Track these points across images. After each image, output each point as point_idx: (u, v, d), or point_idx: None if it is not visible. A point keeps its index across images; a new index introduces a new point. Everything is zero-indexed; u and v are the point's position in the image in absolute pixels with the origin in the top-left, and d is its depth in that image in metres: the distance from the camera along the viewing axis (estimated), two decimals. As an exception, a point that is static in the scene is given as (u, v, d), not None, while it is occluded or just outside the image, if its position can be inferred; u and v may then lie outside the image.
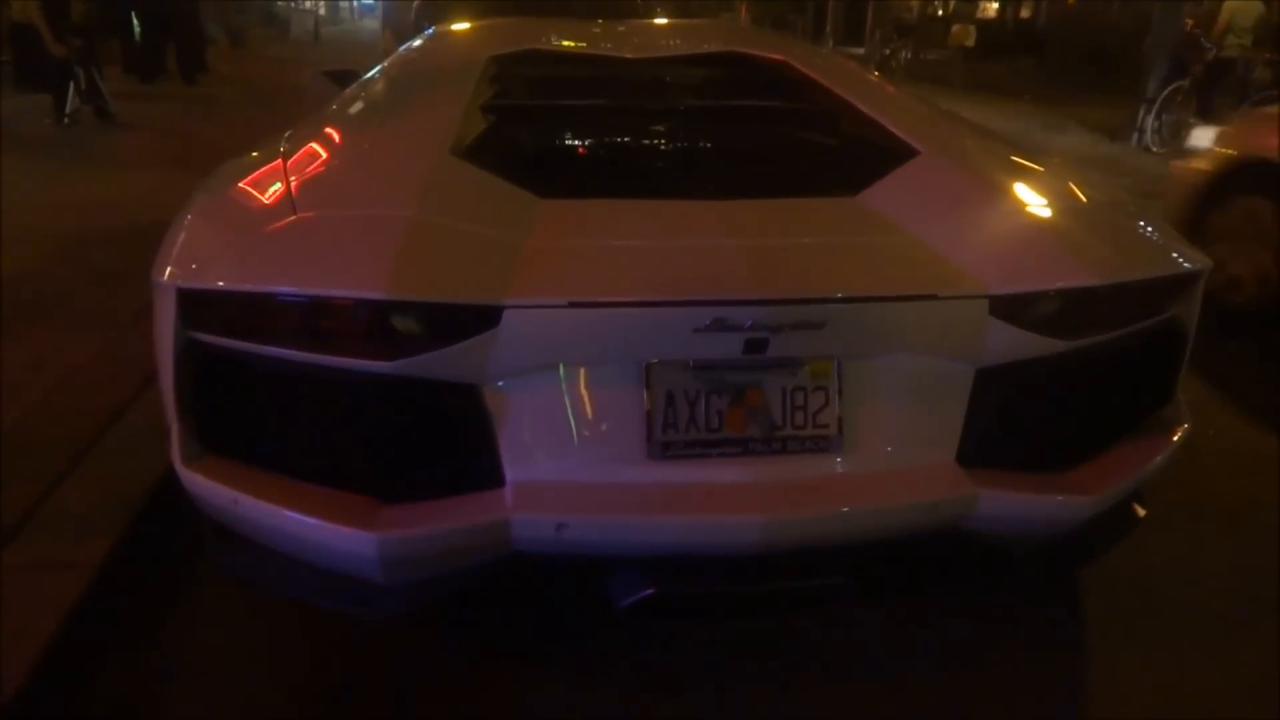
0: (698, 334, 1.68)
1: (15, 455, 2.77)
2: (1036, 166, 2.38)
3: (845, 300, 1.74)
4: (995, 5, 27.35)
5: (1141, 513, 2.16)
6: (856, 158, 2.41)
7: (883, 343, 1.82)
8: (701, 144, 2.59)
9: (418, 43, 3.68)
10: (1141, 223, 2.19)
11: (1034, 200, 2.12)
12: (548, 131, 2.61)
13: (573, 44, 3.19)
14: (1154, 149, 9.93)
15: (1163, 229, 2.18)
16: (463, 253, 1.75)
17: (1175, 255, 2.04)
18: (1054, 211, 2.07)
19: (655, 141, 2.60)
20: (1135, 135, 10.35)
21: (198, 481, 1.82)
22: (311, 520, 1.72)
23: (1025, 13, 25.74)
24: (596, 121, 2.67)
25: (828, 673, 2.26)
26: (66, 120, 8.72)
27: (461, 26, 3.80)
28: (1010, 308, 1.79)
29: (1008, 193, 2.16)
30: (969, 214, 2.01)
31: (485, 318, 1.65)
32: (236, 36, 19.12)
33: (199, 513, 1.92)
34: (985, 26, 24.09)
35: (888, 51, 20.01)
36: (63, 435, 2.91)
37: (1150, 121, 10.06)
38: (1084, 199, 2.20)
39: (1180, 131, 9.68)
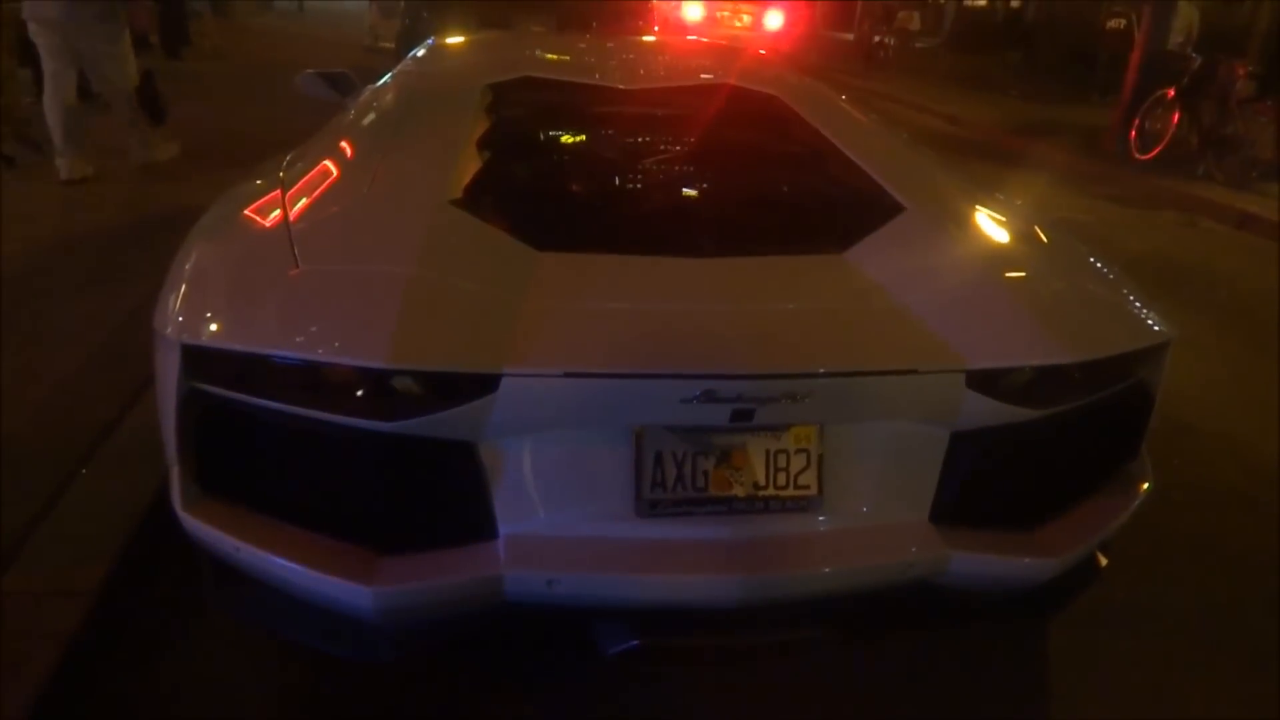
0: (686, 403, 1.75)
1: (10, 471, 2.81)
2: (1016, 225, 2.46)
3: (830, 375, 1.82)
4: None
5: (1104, 561, 2.26)
6: (843, 209, 2.48)
7: (864, 410, 1.90)
8: (692, 191, 2.66)
9: (420, 53, 3.73)
10: (1112, 288, 2.28)
11: (1012, 266, 2.20)
12: (542, 176, 2.66)
13: (565, 69, 3.24)
14: (1137, 155, 10.04)
15: (1132, 292, 2.26)
16: (462, 316, 1.81)
17: (1144, 326, 2.13)
18: (1031, 279, 2.15)
19: (647, 188, 2.66)
20: (1119, 141, 10.45)
21: (198, 526, 1.88)
22: (310, 572, 1.79)
23: (1015, 1, 25.75)
24: (589, 165, 2.73)
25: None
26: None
27: (456, 42, 3.84)
28: (986, 381, 1.87)
29: (987, 258, 2.24)
30: (949, 281, 2.09)
31: (484, 385, 1.71)
32: (219, 7, 18.88)
33: (197, 549, 1.98)
34: (973, 16, 24.11)
35: (877, 40, 19.98)
36: (56, 448, 2.96)
37: (1133, 128, 10.17)
38: (1060, 264, 2.28)
39: (1163, 138, 9.82)
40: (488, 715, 2.27)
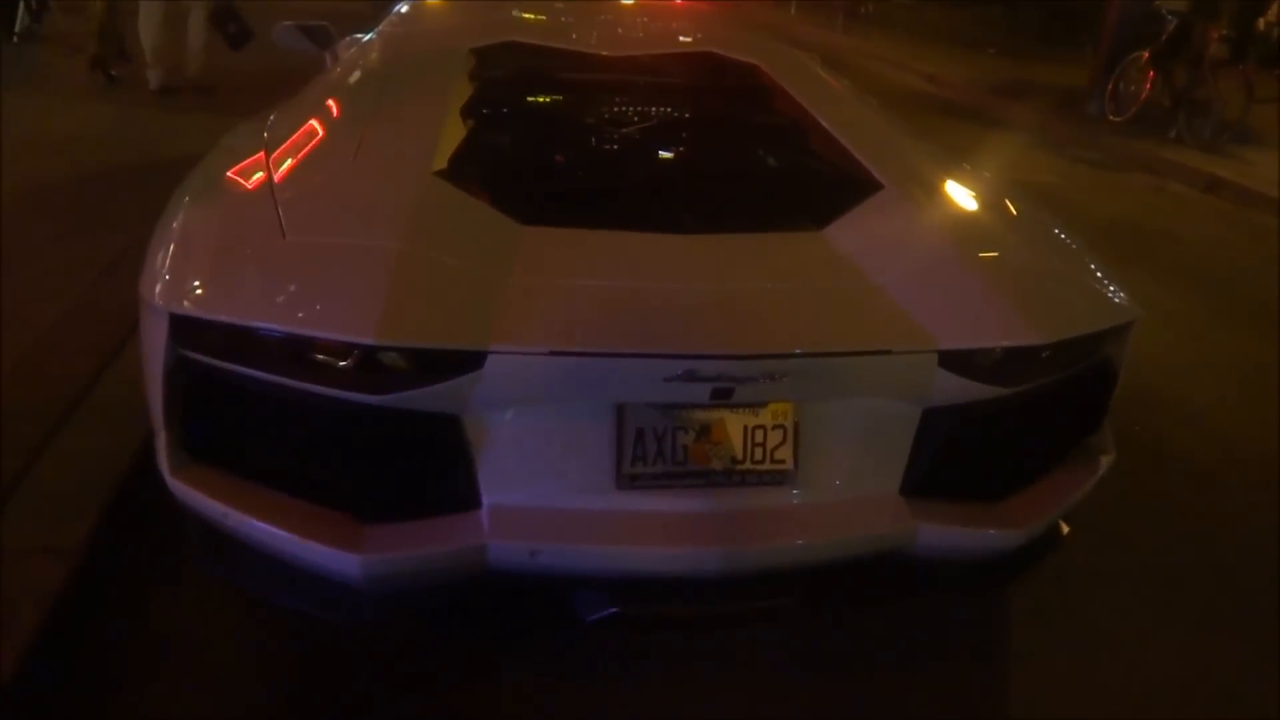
0: (668, 382, 1.80)
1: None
2: (989, 199, 2.52)
3: (807, 355, 1.87)
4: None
5: (1066, 529, 2.35)
6: (822, 184, 2.52)
7: (839, 388, 1.96)
8: (673, 163, 2.69)
9: (403, 10, 3.70)
10: (1081, 265, 2.34)
11: (985, 245, 2.26)
12: (526, 146, 2.68)
13: (549, 33, 3.23)
14: (1111, 117, 10.11)
15: (1100, 268, 2.33)
16: (448, 292, 1.84)
17: (1112, 304, 2.19)
18: (1003, 258, 2.20)
19: (630, 159, 2.69)
20: (1094, 102, 10.51)
21: (186, 491, 1.91)
22: (298, 539, 1.83)
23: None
24: (572, 136, 2.75)
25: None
26: (15, 39, 8.44)
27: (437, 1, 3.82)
28: (958, 360, 1.93)
29: (961, 236, 2.29)
30: (923, 260, 2.13)
31: (470, 361, 1.75)
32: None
33: (184, 513, 2.02)
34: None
35: None
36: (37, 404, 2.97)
37: (1108, 90, 10.22)
38: (1031, 241, 2.34)
39: (1137, 100, 9.88)
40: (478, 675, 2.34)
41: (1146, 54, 9.79)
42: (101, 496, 2.61)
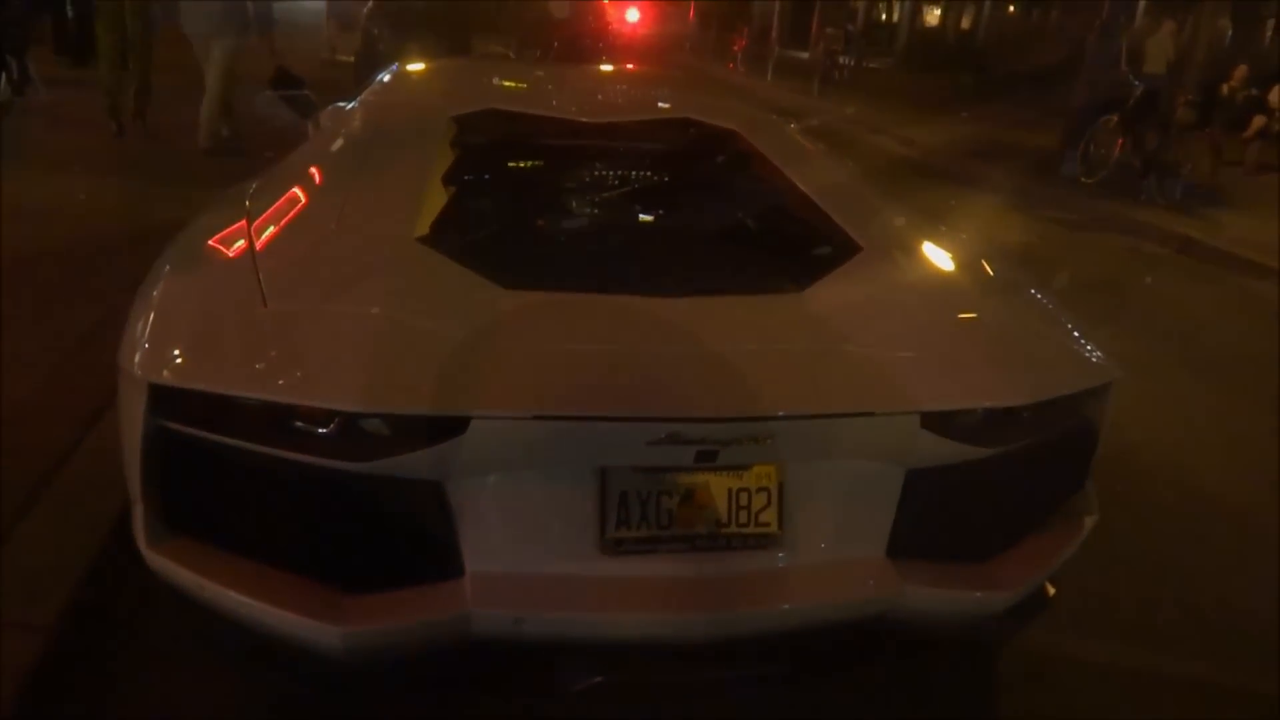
0: (652, 445, 1.79)
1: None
2: (966, 262, 2.54)
3: (791, 417, 1.87)
4: (937, 13, 27.92)
5: (1051, 591, 2.33)
6: (802, 247, 2.55)
7: (823, 450, 1.96)
8: (654, 227, 2.71)
9: (385, 79, 3.75)
10: (1061, 326, 2.36)
11: (964, 306, 2.27)
12: (508, 212, 2.70)
13: (529, 101, 3.28)
14: (1083, 179, 10.31)
15: (1078, 329, 2.35)
16: (430, 358, 1.83)
17: (1091, 365, 2.21)
18: (982, 320, 2.22)
19: (611, 224, 2.71)
20: (1066, 165, 10.73)
21: (163, 564, 1.88)
22: (277, 611, 1.79)
23: (965, 23, 26.31)
24: (553, 201, 2.77)
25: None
26: (-4, 112, 8.49)
27: (420, 69, 3.87)
28: (940, 422, 1.93)
29: (940, 298, 2.31)
30: (904, 322, 2.15)
31: (453, 427, 1.74)
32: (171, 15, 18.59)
33: (160, 586, 1.98)
34: (925, 38, 24.58)
35: (829, 62, 20.21)
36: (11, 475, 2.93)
37: (1079, 152, 10.45)
38: (1010, 303, 2.37)
39: (1108, 162, 10.10)
40: None
41: (1116, 118, 10.02)
42: (77, 570, 2.56)
